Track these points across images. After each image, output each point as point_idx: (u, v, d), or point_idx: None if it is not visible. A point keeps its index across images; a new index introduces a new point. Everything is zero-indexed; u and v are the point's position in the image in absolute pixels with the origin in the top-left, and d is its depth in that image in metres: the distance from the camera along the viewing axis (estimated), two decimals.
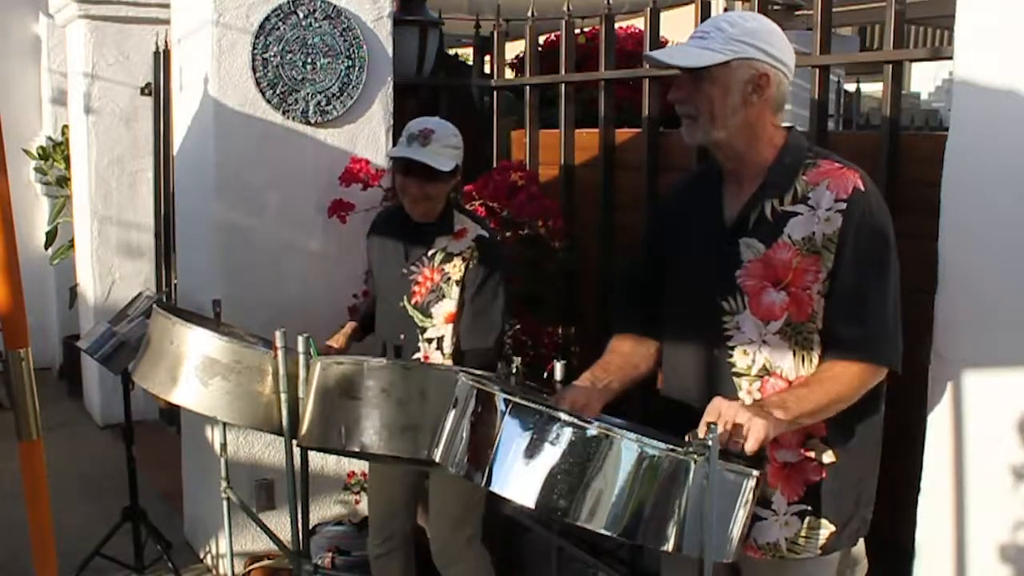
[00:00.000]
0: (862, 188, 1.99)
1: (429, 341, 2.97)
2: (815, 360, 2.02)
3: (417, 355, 2.98)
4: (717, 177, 2.14)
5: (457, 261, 2.94)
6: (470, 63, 4.97)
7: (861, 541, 2.19)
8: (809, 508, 2.06)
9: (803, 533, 2.07)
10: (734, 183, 2.11)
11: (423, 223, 3.00)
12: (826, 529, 2.07)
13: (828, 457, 2.05)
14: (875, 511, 2.16)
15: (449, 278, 2.94)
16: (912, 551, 2.38)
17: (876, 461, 2.14)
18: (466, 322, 2.94)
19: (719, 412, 1.84)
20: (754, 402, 2.01)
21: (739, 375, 2.07)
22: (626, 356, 2.26)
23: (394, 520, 3.18)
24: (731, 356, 2.07)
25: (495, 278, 2.94)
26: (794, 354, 2.03)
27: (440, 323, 2.95)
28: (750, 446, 1.82)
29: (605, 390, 2.15)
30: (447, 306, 2.94)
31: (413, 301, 2.97)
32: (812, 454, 2.05)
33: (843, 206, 1.97)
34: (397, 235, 3.05)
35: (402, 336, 3.00)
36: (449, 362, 2.96)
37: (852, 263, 1.97)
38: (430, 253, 2.97)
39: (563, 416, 1.81)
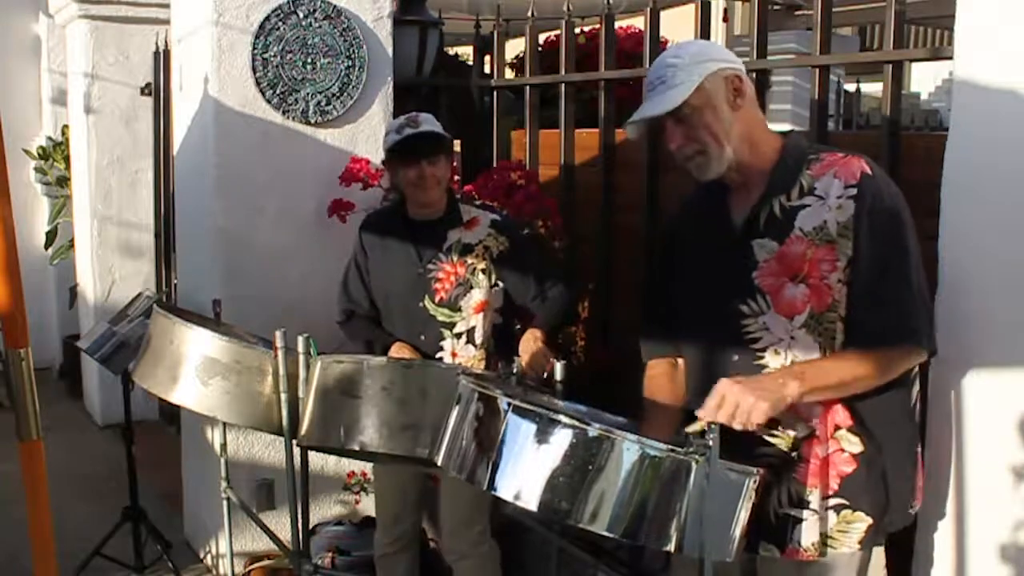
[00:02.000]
0: (869, 172, 2.00)
1: (458, 336, 2.97)
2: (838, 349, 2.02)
3: (441, 354, 2.98)
4: (722, 186, 2.14)
5: (479, 250, 2.97)
6: (470, 63, 4.96)
7: (882, 553, 2.16)
8: (845, 502, 2.04)
9: (839, 527, 2.05)
10: (741, 190, 2.12)
11: (430, 220, 3.00)
12: (863, 523, 2.05)
13: (856, 446, 2.04)
14: None
15: (475, 268, 2.96)
16: (912, 550, 2.38)
17: (911, 452, 2.12)
18: (532, 293, 3.00)
19: (723, 396, 1.86)
20: (776, 369, 2.01)
21: None
22: (671, 392, 2.29)
23: (403, 519, 3.18)
24: (762, 358, 2.06)
25: (533, 248, 3.13)
26: (819, 346, 2.02)
27: (470, 315, 2.97)
28: (746, 423, 1.85)
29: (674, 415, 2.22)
30: (476, 296, 2.96)
31: (437, 299, 2.97)
32: (842, 444, 2.04)
33: (853, 192, 1.98)
34: (402, 237, 3.04)
35: (422, 337, 2.99)
36: (482, 354, 2.98)
37: (870, 248, 1.97)
38: (446, 247, 2.98)
39: (564, 418, 1.81)
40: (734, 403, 1.84)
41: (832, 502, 2.05)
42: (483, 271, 2.96)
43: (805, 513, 2.05)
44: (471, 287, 2.96)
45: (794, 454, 2.03)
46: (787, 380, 1.92)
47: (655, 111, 2.03)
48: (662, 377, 2.30)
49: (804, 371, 1.96)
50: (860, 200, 1.97)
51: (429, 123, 2.98)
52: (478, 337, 2.98)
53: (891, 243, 1.98)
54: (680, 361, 2.29)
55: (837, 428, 2.04)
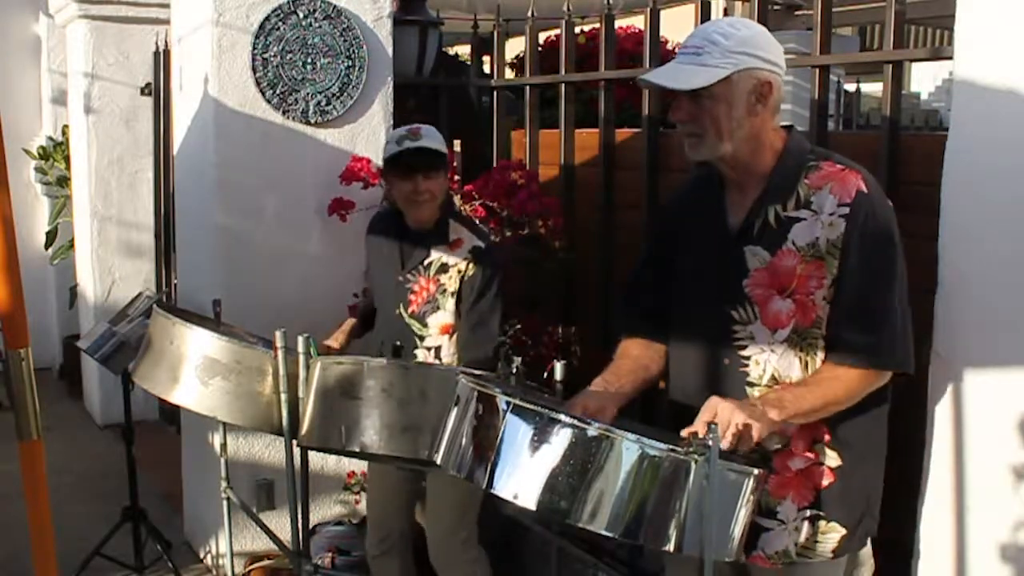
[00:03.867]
0: (865, 191, 1.97)
1: (428, 349, 2.97)
2: (818, 365, 2.01)
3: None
4: (718, 182, 2.12)
5: (452, 272, 2.94)
6: (470, 62, 4.97)
7: (868, 543, 2.18)
8: (820, 513, 2.05)
9: (815, 538, 2.06)
10: (736, 189, 2.09)
11: (421, 231, 2.99)
12: (837, 532, 2.06)
13: (834, 460, 2.04)
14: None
15: (445, 289, 2.94)
16: (912, 550, 2.38)
17: (882, 460, 2.13)
18: (465, 335, 2.93)
19: (715, 413, 1.84)
20: (751, 398, 2.00)
21: (752, 384, 2.06)
22: (636, 359, 2.24)
23: (391, 520, 3.18)
24: (746, 365, 2.06)
25: (492, 289, 2.93)
26: (799, 360, 2.02)
27: (436, 333, 2.96)
28: (742, 446, 1.83)
29: (618, 394, 2.14)
30: (442, 317, 2.94)
31: (410, 310, 2.97)
32: (819, 458, 2.04)
33: (846, 211, 1.95)
34: (394, 240, 3.04)
35: (400, 344, 2.98)
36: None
37: (857, 269, 1.95)
38: (426, 262, 2.97)
39: (564, 417, 1.80)
40: (727, 420, 1.82)
41: (808, 513, 2.05)
42: (452, 294, 2.93)
43: (772, 523, 2.06)
44: (438, 307, 2.94)
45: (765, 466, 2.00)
46: (767, 408, 1.91)
47: (673, 84, 1.98)
48: (628, 360, 2.24)
49: (782, 398, 1.95)
50: (851, 219, 1.94)
51: (430, 136, 2.93)
52: (444, 357, 2.96)
53: (877, 265, 1.96)
54: (653, 344, 2.25)
55: (815, 442, 2.03)
